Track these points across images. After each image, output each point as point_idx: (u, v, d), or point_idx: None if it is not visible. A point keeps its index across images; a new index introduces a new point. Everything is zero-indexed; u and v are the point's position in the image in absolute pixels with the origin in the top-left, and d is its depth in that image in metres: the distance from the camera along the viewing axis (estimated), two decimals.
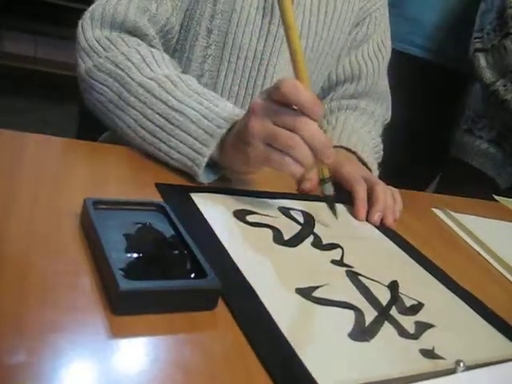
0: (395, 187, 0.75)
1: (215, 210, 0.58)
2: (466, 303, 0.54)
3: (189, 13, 0.80)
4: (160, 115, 0.63)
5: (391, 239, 0.65)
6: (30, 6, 2.99)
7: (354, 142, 0.83)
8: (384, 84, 1.01)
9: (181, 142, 0.62)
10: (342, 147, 0.82)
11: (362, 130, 0.89)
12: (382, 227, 0.68)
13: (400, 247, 0.63)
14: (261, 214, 0.60)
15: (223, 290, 0.41)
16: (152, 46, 0.73)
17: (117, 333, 0.36)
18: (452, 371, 0.42)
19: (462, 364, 0.42)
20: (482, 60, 1.20)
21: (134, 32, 0.72)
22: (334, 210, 0.65)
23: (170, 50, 0.83)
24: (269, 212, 0.62)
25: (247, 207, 0.61)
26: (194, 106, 0.62)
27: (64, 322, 0.35)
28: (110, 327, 0.36)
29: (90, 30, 0.71)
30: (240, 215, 0.59)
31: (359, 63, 0.95)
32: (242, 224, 0.57)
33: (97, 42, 0.70)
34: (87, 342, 0.34)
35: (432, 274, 0.58)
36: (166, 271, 0.42)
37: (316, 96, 0.57)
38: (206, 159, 0.60)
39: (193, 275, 0.42)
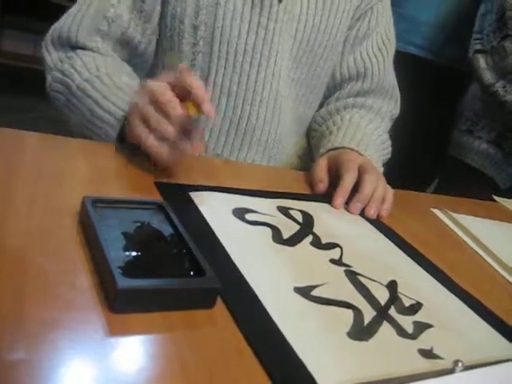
0: (394, 187, 0.75)
1: (214, 209, 0.58)
2: (465, 303, 0.54)
3: (170, 12, 0.81)
4: (88, 110, 0.71)
5: (390, 239, 0.64)
6: (30, 5, 2.98)
7: (357, 141, 0.82)
8: (391, 78, 0.99)
9: (98, 127, 0.70)
10: (343, 148, 0.81)
11: (367, 127, 0.88)
12: (384, 228, 0.67)
13: (399, 247, 0.63)
14: (260, 213, 0.60)
15: (221, 288, 0.41)
16: (105, 56, 0.78)
17: (115, 331, 0.36)
18: (450, 371, 0.42)
19: (460, 364, 0.42)
20: (481, 61, 1.20)
21: (88, 49, 0.78)
22: None
23: (146, 55, 0.84)
24: (268, 211, 0.62)
25: (246, 206, 0.61)
26: (109, 98, 0.69)
27: (63, 320, 0.35)
28: (109, 325, 0.36)
29: (53, 51, 0.79)
30: (239, 214, 0.59)
31: (364, 60, 0.94)
32: (240, 222, 0.57)
33: (59, 60, 0.78)
34: (86, 340, 0.34)
35: (431, 274, 0.58)
36: (164, 270, 0.42)
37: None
38: (112, 138, 0.68)
39: (191, 274, 0.42)
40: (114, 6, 0.77)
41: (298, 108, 0.94)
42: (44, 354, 0.32)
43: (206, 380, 0.34)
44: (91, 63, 0.74)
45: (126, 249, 0.43)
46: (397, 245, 0.63)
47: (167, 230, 0.47)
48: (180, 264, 0.43)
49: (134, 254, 0.42)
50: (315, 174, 0.76)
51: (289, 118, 0.92)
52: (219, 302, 0.42)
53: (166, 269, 0.43)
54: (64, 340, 0.34)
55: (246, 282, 0.46)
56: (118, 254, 0.41)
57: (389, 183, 0.75)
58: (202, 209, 0.56)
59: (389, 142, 0.94)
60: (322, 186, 0.74)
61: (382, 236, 0.65)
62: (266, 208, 0.62)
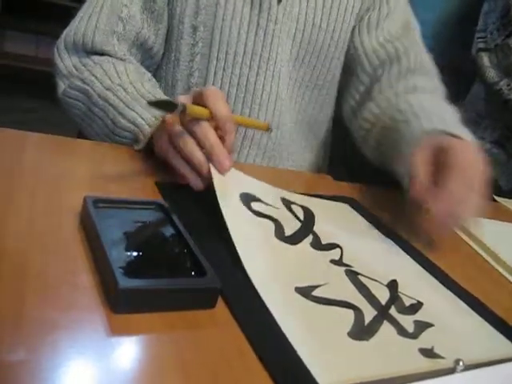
0: (396, 188, 0.75)
1: (224, 191, 0.56)
2: (466, 303, 0.54)
3: (170, 12, 0.80)
4: (111, 120, 0.69)
5: (391, 239, 0.64)
6: (32, 6, 2.99)
7: (453, 123, 0.71)
8: (427, 57, 0.91)
9: (122, 138, 0.69)
10: (437, 131, 0.68)
11: (445, 107, 0.78)
12: (384, 227, 0.67)
13: (400, 247, 0.63)
14: (265, 203, 0.60)
15: (223, 287, 0.41)
16: (124, 61, 0.77)
17: (116, 331, 0.36)
18: (451, 370, 0.42)
19: (461, 363, 0.42)
20: (485, 59, 1.20)
21: (104, 54, 0.76)
22: None
23: (157, 56, 0.84)
24: (272, 201, 0.61)
25: (253, 191, 0.60)
26: (134, 108, 0.68)
27: (63, 320, 0.35)
28: (110, 325, 0.36)
29: (67, 58, 0.77)
30: (246, 200, 0.58)
31: (390, 41, 0.87)
32: (246, 211, 0.56)
33: (73, 67, 0.76)
34: (86, 340, 0.34)
35: (431, 274, 0.58)
36: (165, 270, 0.42)
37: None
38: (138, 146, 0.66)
39: (192, 274, 0.42)
40: (126, 7, 0.77)
41: (306, 110, 0.92)
42: (44, 354, 0.32)
43: (207, 380, 0.34)
44: (111, 70, 0.72)
45: (128, 249, 0.43)
46: (397, 244, 0.63)
47: (168, 230, 0.48)
48: (181, 264, 0.44)
49: (135, 254, 0.43)
50: (415, 170, 0.63)
51: (290, 120, 0.90)
52: (220, 302, 0.42)
53: (167, 269, 0.43)
54: (64, 340, 0.34)
55: (248, 281, 0.45)
56: (120, 254, 0.41)
57: (390, 183, 0.75)
58: (216, 189, 0.54)
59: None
60: (421, 190, 0.61)
61: (382, 236, 0.65)
62: (270, 198, 0.61)
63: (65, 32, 0.79)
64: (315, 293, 0.47)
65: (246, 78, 0.82)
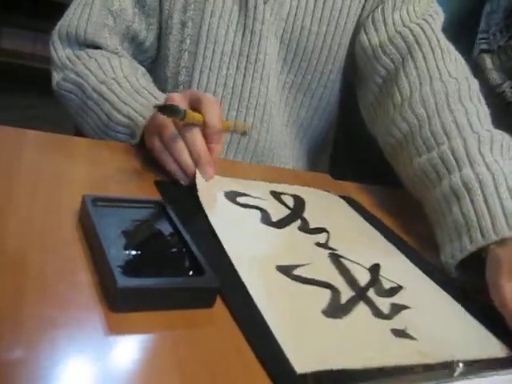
0: (396, 187, 0.75)
1: (210, 193, 0.59)
2: (445, 290, 0.55)
3: (161, 7, 0.80)
4: (105, 114, 0.70)
5: (381, 232, 0.64)
6: (29, 3, 2.98)
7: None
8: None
9: (117, 132, 0.69)
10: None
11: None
12: (377, 221, 0.67)
13: (388, 239, 0.63)
14: (251, 196, 0.61)
15: (221, 286, 0.41)
16: (116, 55, 0.77)
17: (114, 329, 0.36)
18: (451, 372, 0.42)
19: (461, 365, 0.42)
20: (487, 61, 1.19)
21: (97, 46, 0.77)
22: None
23: (149, 51, 0.83)
24: (260, 194, 0.63)
25: (239, 189, 0.62)
26: (129, 103, 0.68)
27: (62, 319, 0.35)
28: (108, 324, 0.36)
29: (61, 49, 0.78)
30: (231, 196, 0.60)
31: (409, 27, 0.77)
32: (232, 205, 0.58)
33: (67, 58, 0.77)
34: (85, 339, 0.34)
35: (417, 266, 0.59)
36: (164, 269, 0.42)
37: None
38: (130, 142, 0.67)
39: (191, 273, 0.42)
40: (118, 0, 0.77)
41: (299, 113, 0.89)
42: (43, 352, 0.32)
43: (205, 379, 0.34)
44: (106, 64, 0.73)
45: (126, 248, 0.43)
46: (386, 237, 0.63)
47: (167, 229, 0.47)
48: (179, 263, 0.44)
49: (133, 252, 0.42)
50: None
51: (281, 123, 0.88)
52: (218, 301, 0.42)
53: (166, 268, 0.43)
54: (63, 338, 0.34)
55: (234, 268, 0.46)
56: (118, 253, 0.41)
57: (392, 184, 0.74)
58: (198, 190, 0.57)
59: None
60: None
61: (371, 228, 0.65)
62: (258, 192, 0.63)
63: (59, 23, 0.79)
64: (296, 272, 0.48)
65: (233, 80, 0.80)
